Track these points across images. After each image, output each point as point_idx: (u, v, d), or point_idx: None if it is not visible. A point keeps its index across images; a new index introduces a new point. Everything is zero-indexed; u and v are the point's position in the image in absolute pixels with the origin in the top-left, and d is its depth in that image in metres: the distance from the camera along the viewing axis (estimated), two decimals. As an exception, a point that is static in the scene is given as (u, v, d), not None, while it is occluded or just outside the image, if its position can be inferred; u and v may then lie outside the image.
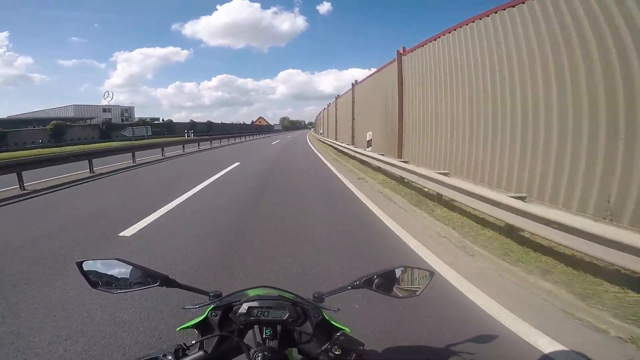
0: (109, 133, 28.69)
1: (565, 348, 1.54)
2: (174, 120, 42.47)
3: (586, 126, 3.05)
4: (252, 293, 0.69)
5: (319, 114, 32.46)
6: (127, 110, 46.38)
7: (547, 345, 1.56)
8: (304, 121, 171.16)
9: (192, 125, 39.55)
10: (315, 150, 14.01)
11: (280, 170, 7.65)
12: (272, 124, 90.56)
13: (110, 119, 37.21)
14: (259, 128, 60.57)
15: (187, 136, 25.36)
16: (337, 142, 13.60)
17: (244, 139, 25.68)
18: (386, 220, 3.57)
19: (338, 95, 18.35)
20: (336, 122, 18.09)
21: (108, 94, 31.91)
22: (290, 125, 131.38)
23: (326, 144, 16.49)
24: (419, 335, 1.63)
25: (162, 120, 41.42)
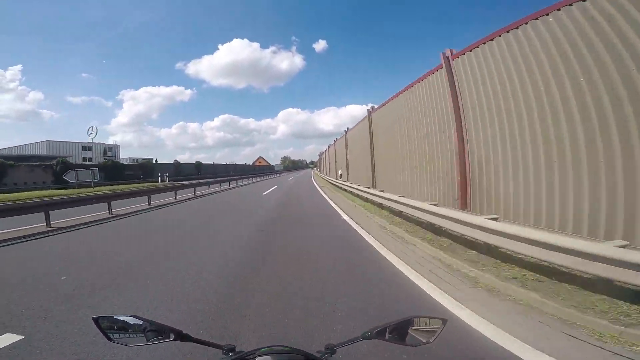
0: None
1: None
2: (181, 162, 40.07)
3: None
4: (264, 351, 0.73)
5: (321, 154, 37.48)
6: (111, 149, 40.71)
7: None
8: (305, 160, 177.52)
9: (177, 167, 34.59)
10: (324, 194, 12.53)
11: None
12: (273, 164, 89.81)
13: (91, 158, 33.23)
14: (259, 169, 57.82)
15: (162, 181, 21.69)
16: (333, 179, 17.75)
17: (239, 182, 22.67)
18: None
19: (336, 139, 22.48)
20: (336, 161, 22.45)
21: (92, 130, 27.43)
22: (291, 166, 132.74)
23: (324, 179, 22.04)
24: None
25: (155, 160, 36.95)
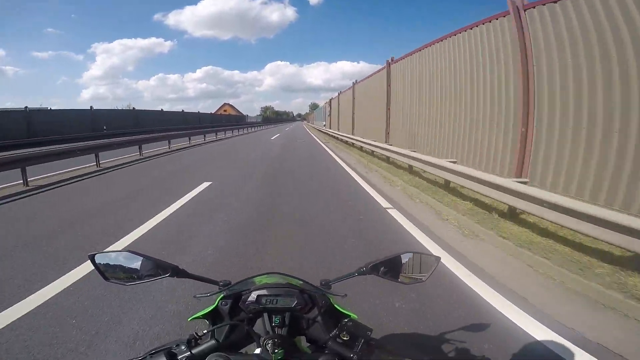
0: None
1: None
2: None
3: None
4: (260, 280, 0.83)
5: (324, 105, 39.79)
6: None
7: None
8: (292, 112, 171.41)
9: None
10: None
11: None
12: (245, 114, 79.39)
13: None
14: (224, 120, 50.12)
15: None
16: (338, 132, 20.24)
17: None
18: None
19: (340, 92, 25.58)
20: (338, 114, 24.90)
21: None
22: (273, 117, 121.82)
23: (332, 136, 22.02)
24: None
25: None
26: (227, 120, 49.13)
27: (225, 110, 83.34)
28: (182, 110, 39.66)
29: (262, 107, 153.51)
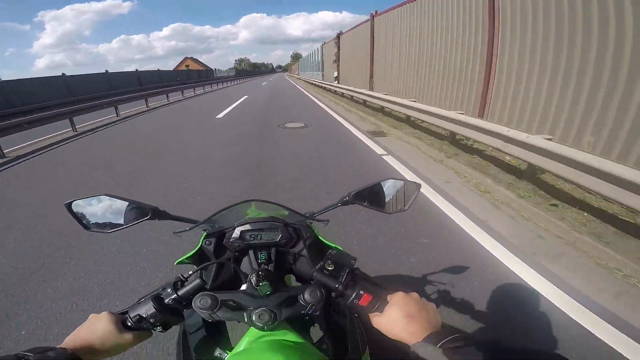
0: None
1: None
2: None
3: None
4: (243, 212, 0.91)
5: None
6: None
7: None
8: (271, 64, 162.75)
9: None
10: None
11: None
12: (213, 68, 70.07)
13: None
14: (186, 76, 43.84)
15: None
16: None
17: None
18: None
19: (324, 42, 27.22)
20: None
21: None
22: (251, 70, 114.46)
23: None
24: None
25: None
26: (187, 77, 42.74)
27: (187, 65, 76.13)
28: (158, 70, 37.81)
29: (235, 60, 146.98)
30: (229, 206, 0.85)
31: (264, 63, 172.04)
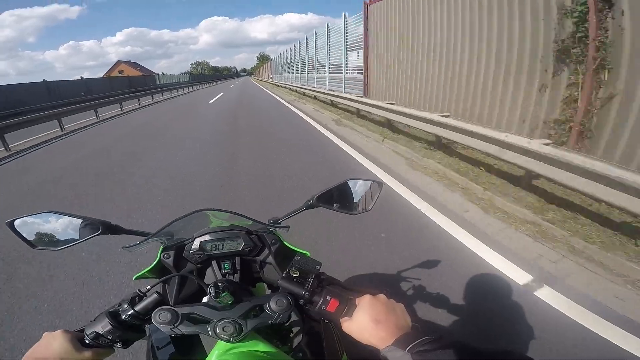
0: None
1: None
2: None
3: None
4: (202, 221, 0.90)
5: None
6: None
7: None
8: (234, 67, 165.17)
9: None
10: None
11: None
12: (156, 74, 63.08)
13: None
14: (118, 84, 36.40)
15: None
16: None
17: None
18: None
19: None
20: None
21: None
22: (209, 75, 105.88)
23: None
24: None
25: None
26: (118, 86, 34.55)
27: (120, 71, 67.26)
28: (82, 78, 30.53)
29: (192, 63, 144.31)
30: (181, 217, 0.84)
31: (226, 66, 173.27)
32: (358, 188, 0.98)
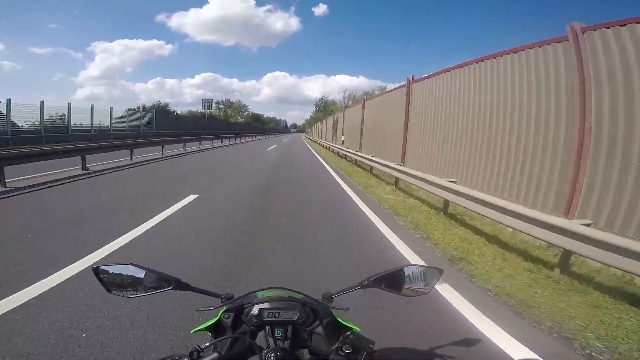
0: None
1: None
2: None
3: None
4: (262, 294, 0.99)
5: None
6: None
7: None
8: (284, 121, 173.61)
9: None
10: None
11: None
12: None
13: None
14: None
15: None
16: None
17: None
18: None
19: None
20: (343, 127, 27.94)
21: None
22: (252, 126, 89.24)
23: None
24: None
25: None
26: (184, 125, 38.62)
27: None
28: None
29: (245, 106, 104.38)
30: (252, 291, 0.98)
31: (274, 117, 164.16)
32: (416, 273, 1.02)
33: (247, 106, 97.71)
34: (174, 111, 55.33)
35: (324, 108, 66.36)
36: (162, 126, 35.51)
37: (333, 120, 30.22)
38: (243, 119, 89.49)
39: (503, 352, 2.57)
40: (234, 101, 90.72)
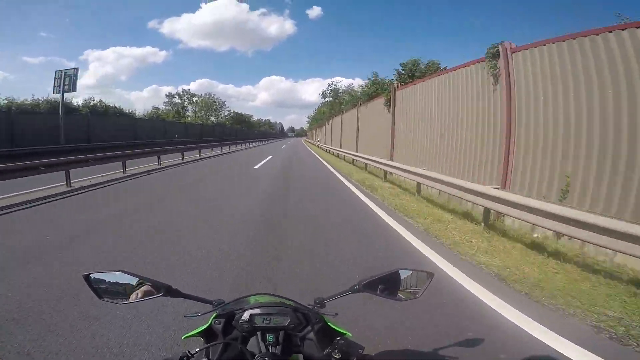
0: None
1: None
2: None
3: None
4: (253, 300, 1.02)
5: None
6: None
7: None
8: (280, 124, 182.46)
9: None
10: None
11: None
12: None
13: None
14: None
15: None
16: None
17: None
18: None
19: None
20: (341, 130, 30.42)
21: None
22: (239, 130, 75.14)
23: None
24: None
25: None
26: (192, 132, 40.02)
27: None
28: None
29: (228, 114, 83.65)
30: (243, 296, 1.04)
31: (268, 120, 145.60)
32: (407, 277, 1.03)
33: (224, 102, 76.93)
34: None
35: (334, 99, 47.44)
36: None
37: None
38: (224, 120, 72.82)
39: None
40: (203, 95, 70.50)
